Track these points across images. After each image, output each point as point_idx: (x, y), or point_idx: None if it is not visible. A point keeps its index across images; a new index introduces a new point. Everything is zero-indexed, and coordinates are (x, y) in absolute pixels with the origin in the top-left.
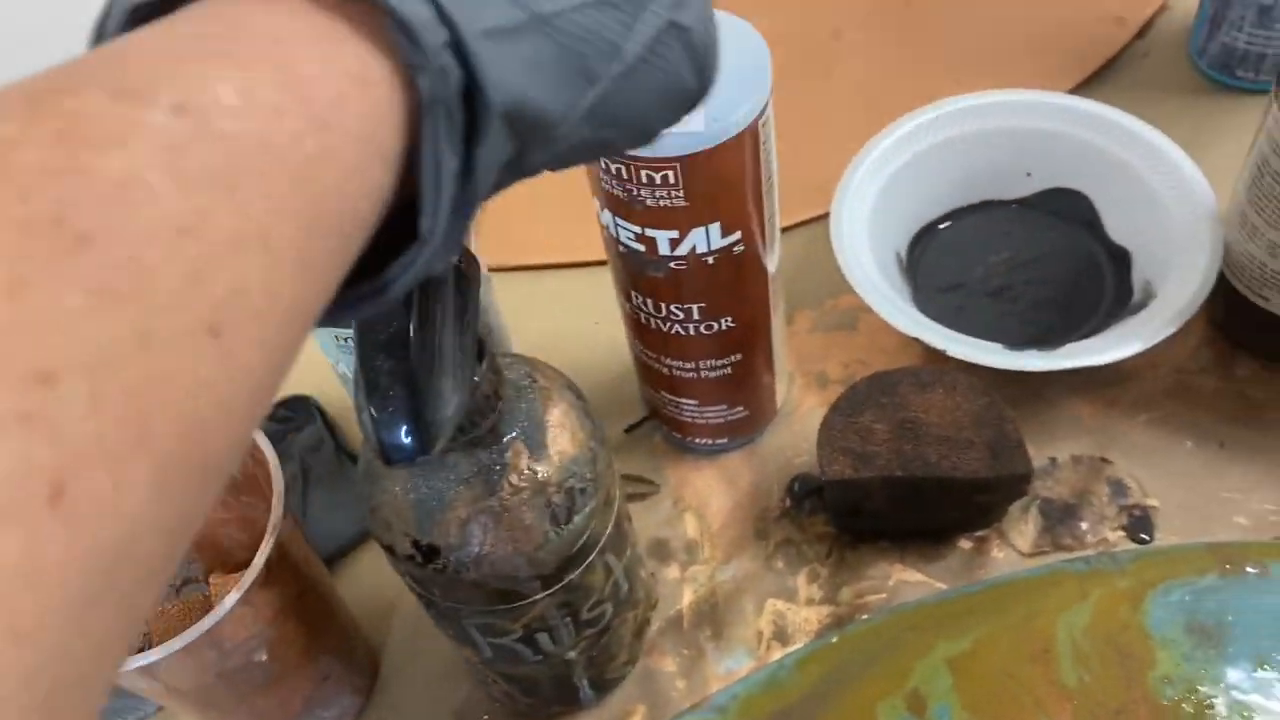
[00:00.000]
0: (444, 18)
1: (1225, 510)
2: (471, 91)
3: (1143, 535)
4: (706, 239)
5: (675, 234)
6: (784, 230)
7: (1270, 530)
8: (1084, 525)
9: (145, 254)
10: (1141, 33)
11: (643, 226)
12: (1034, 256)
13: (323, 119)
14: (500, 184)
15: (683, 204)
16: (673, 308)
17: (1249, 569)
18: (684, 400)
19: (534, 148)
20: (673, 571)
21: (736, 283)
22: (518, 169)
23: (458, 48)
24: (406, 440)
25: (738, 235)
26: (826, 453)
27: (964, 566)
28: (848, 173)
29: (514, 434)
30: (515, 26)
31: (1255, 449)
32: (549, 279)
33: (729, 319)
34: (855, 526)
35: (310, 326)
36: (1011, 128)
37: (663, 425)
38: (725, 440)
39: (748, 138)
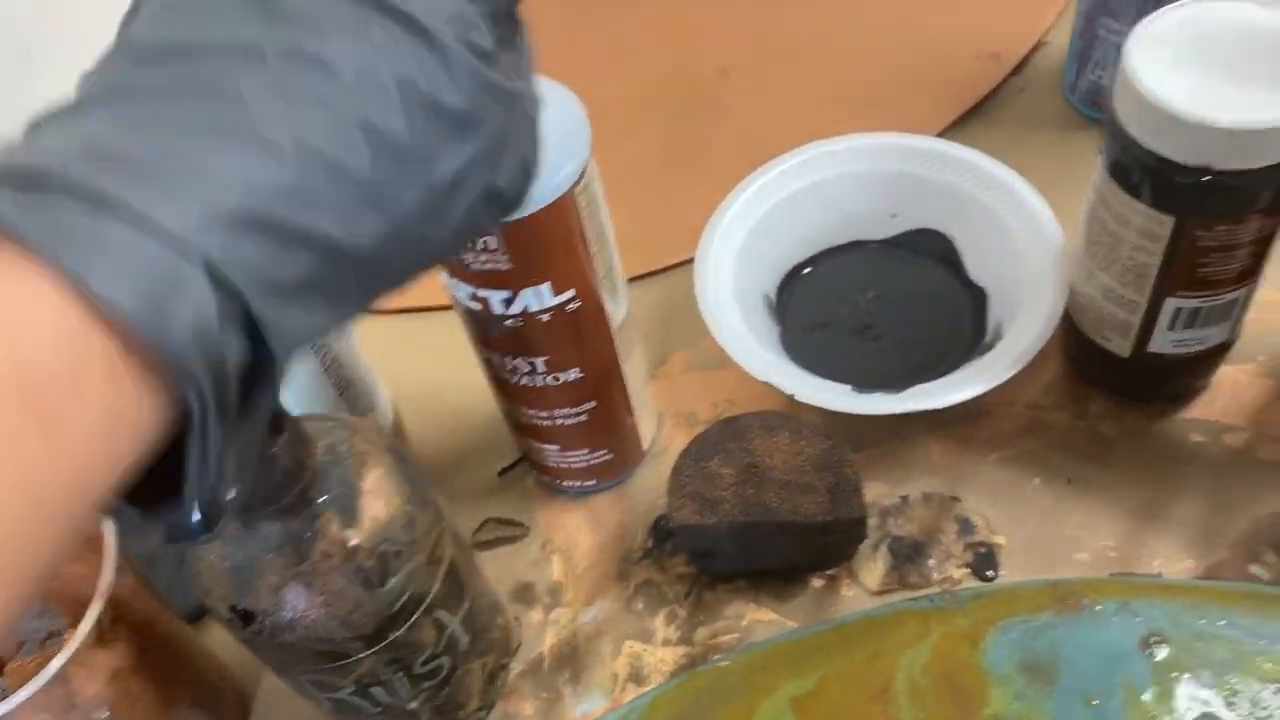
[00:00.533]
0: (230, 290)
1: (1068, 547)
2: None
3: (987, 573)
4: (539, 298)
5: (507, 294)
6: (664, 270)
7: (1108, 567)
8: (931, 563)
9: None
10: (1019, 69)
11: (475, 287)
12: (899, 296)
13: (53, 421)
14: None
15: (508, 266)
16: (518, 361)
17: (1083, 606)
18: (546, 446)
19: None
20: (536, 615)
21: (577, 336)
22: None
23: (245, 318)
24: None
25: (571, 293)
26: (675, 499)
27: (815, 605)
28: (714, 217)
29: (324, 499)
30: (316, 275)
31: (1100, 486)
32: (428, 321)
33: (576, 370)
34: (711, 568)
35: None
36: (877, 170)
37: (532, 468)
38: (593, 482)
39: (567, 202)
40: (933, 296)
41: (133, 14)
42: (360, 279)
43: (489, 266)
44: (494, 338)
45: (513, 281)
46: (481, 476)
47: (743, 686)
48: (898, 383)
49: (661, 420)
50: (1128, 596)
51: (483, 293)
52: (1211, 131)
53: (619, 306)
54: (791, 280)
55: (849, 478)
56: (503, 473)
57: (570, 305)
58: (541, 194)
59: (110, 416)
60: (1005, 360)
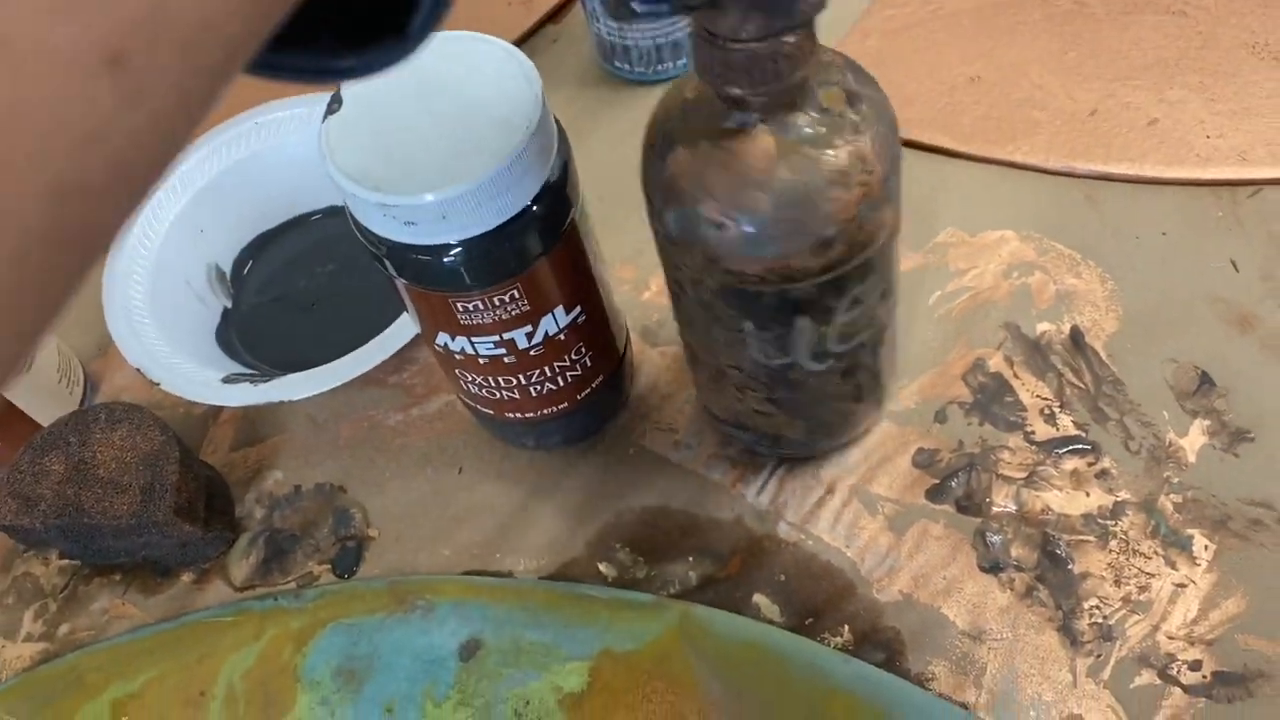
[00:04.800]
0: None
1: (436, 542)
2: None
3: (345, 570)
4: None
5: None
6: None
7: (468, 564)
8: (299, 558)
9: None
10: (555, 17)
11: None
12: (358, 268)
13: None
14: None
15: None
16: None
17: (416, 607)
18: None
19: None
20: None
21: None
22: None
23: None
24: None
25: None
26: (1, 497)
27: (177, 602)
28: None
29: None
30: None
31: (490, 476)
32: None
33: None
34: (92, 558)
35: (243, 66)
36: None
37: None
38: None
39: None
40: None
41: None
42: None
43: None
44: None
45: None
46: None
47: (75, 687)
48: (320, 364)
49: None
50: (464, 598)
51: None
52: (386, 209)
53: None
54: (256, 250)
55: (166, 476)
56: None
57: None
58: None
59: None
60: (377, 348)
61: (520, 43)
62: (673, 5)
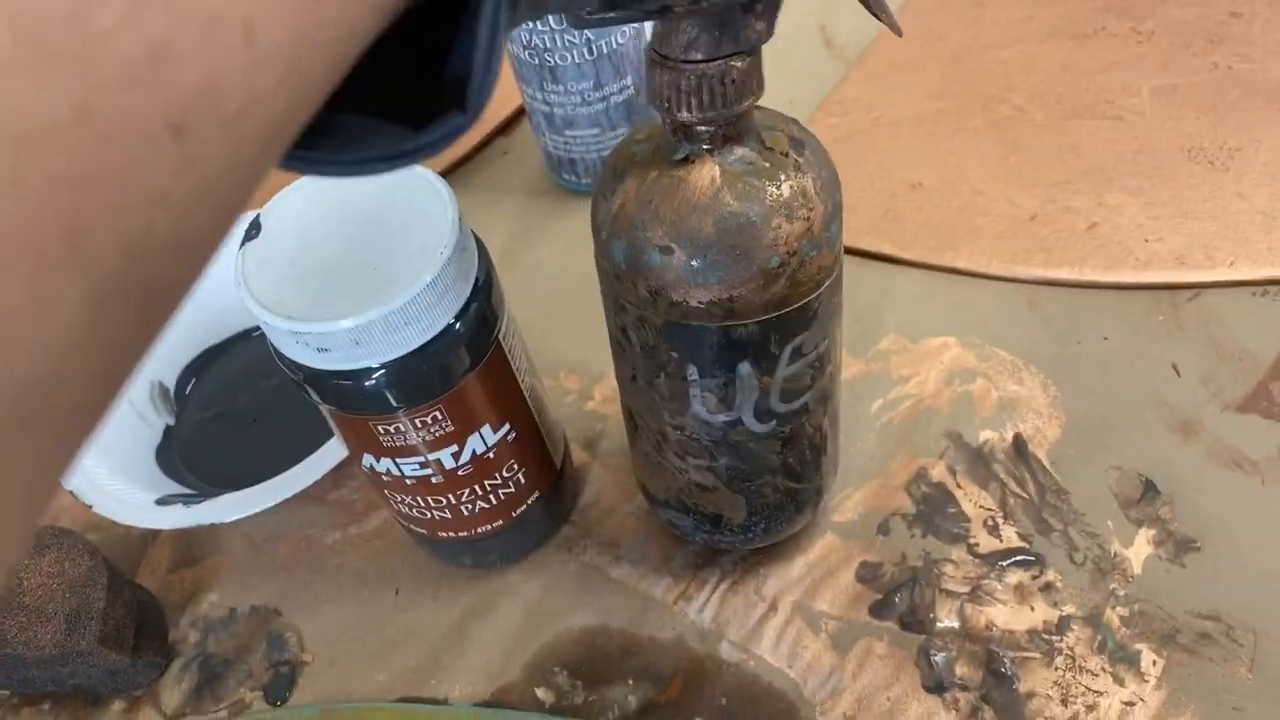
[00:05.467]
0: None
1: (371, 668)
2: None
3: (277, 697)
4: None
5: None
6: None
7: (402, 690)
8: (231, 684)
9: (94, 10)
10: (505, 130)
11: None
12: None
13: None
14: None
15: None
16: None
17: None
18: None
19: None
20: None
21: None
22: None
23: None
24: None
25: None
26: None
27: None
28: None
29: None
30: None
31: (426, 596)
32: None
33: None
34: (19, 688)
35: (288, 144)
36: None
37: None
38: None
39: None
40: None
41: None
42: None
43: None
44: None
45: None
46: None
47: None
48: (260, 482)
49: None
50: None
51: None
52: (298, 336)
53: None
54: (200, 366)
55: (92, 604)
56: None
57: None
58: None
59: None
60: (306, 470)
61: (472, 155)
62: (627, 13)
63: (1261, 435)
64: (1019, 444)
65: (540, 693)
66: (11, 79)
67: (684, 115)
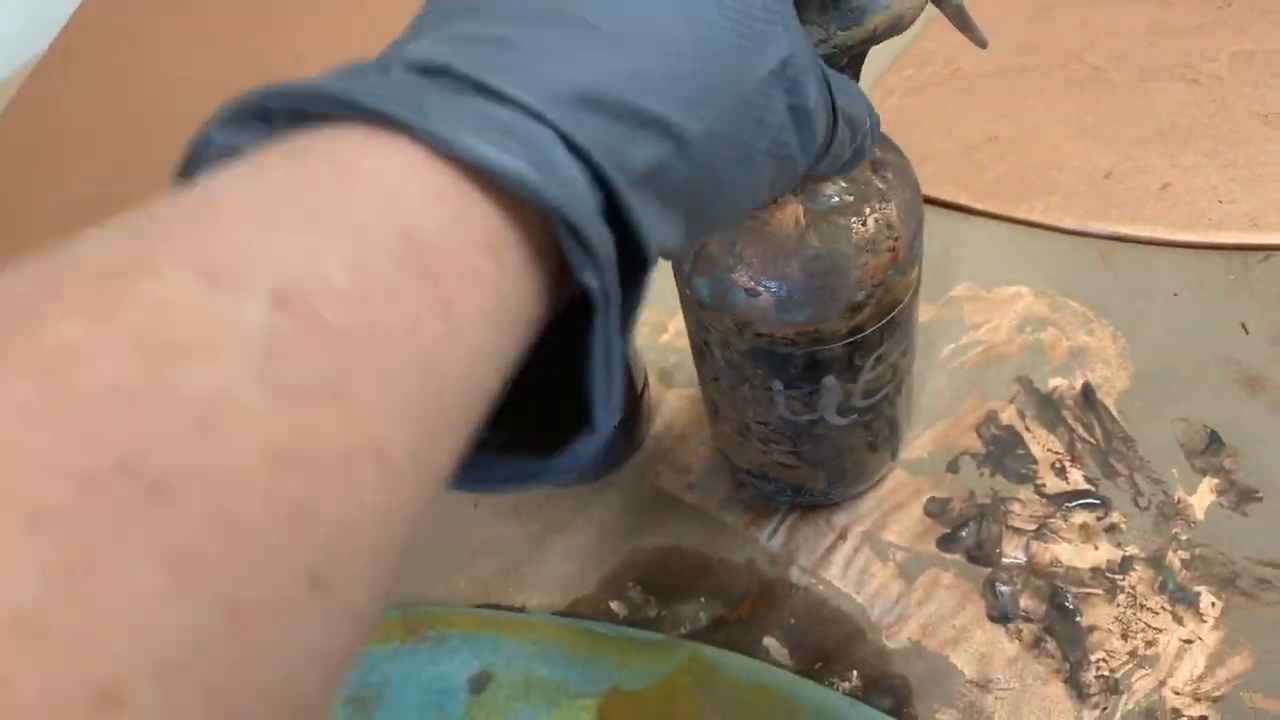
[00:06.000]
0: (597, 175)
1: (451, 575)
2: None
3: None
4: None
5: None
6: None
7: (480, 596)
8: None
9: (236, 501)
10: None
11: None
12: None
13: (447, 299)
14: None
15: None
16: None
17: (427, 637)
18: None
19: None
20: None
21: None
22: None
23: (611, 207)
24: None
25: None
26: None
27: None
28: None
29: None
30: (661, 163)
31: (506, 508)
32: None
33: None
34: None
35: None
36: None
37: None
38: None
39: None
40: None
41: None
42: (693, 178)
43: None
44: None
45: None
46: None
47: None
48: None
49: None
50: (476, 630)
51: None
52: None
53: None
54: None
55: None
56: None
57: None
58: None
59: (495, 298)
60: None
61: None
62: None
63: None
64: (1088, 392)
65: (614, 605)
66: (161, 602)
67: None
